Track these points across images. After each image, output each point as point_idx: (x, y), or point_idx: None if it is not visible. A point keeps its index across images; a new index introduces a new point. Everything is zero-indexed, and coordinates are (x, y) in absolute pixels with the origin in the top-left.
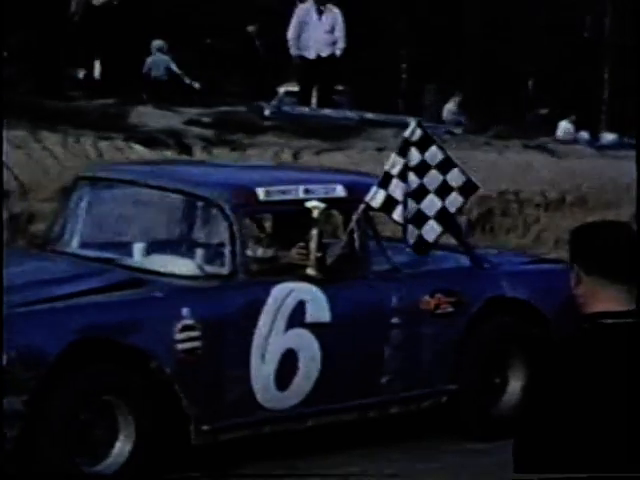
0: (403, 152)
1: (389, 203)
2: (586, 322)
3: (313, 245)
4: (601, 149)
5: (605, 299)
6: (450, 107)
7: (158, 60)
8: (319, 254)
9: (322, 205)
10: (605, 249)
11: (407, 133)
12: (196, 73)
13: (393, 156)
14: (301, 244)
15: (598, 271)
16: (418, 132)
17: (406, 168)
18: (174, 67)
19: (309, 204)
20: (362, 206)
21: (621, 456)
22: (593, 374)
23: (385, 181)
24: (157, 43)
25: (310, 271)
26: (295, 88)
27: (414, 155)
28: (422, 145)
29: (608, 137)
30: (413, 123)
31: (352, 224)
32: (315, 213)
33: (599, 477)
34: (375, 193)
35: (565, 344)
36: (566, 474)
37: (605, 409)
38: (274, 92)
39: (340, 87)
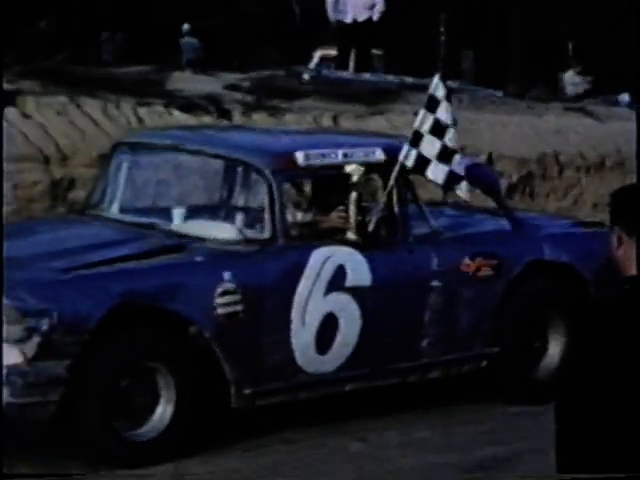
0: (431, 108)
1: (421, 162)
2: (627, 284)
3: (353, 209)
4: None
5: None
6: (570, 76)
7: (188, 43)
8: (359, 218)
9: (361, 168)
10: None
11: (432, 89)
12: (232, 38)
13: (422, 113)
14: (341, 208)
15: None
16: (441, 87)
17: (438, 125)
18: (199, 53)
19: (348, 168)
20: (397, 167)
21: None
22: (635, 336)
23: (415, 139)
24: (185, 27)
25: (350, 235)
26: (330, 52)
27: (444, 112)
28: (449, 100)
29: None
30: (436, 78)
31: (390, 183)
32: (354, 177)
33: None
34: (408, 152)
35: (606, 306)
36: (608, 462)
37: None
38: (309, 57)
39: (374, 51)
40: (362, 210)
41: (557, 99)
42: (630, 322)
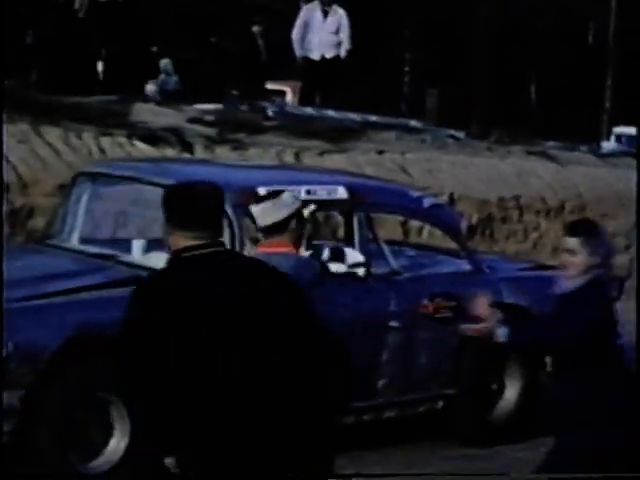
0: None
1: None
2: (172, 256)
3: (302, 246)
4: (602, 157)
5: (185, 242)
6: None
7: (168, 79)
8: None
9: (312, 206)
10: (186, 210)
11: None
12: (198, 71)
13: None
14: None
15: (181, 225)
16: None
17: None
18: (177, 88)
19: None
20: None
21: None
22: (178, 294)
23: None
24: (165, 63)
25: None
26: (275, 86)
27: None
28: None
29: (609, 145)
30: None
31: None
32: (305, 214)
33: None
34: None
35: (155, 275)
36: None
37: (190, 324)
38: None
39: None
40: (312, 247)
41: (519, 142)
42: (173, 284)
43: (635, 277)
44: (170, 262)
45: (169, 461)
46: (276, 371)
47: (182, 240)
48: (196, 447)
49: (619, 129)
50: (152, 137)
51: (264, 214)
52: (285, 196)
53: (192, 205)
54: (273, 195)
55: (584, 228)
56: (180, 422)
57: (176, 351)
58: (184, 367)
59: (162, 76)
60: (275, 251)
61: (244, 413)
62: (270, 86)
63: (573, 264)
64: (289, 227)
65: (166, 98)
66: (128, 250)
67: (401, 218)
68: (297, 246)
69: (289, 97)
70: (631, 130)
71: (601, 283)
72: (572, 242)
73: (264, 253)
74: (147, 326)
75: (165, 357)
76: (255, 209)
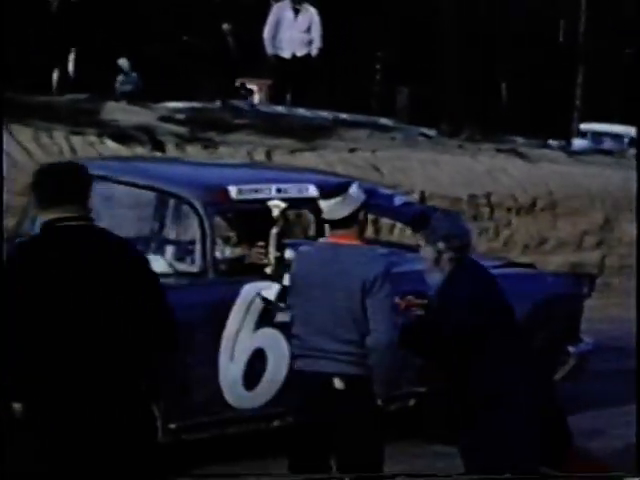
0: None
1: None
2: (44, 225)
3: (272, 244)
4: (573, 154)
5: (55, 215)
6: None
7: (127, 78)
8: (278, 254)
9: (282, 204)
10: (53, 188)
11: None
12: (171, 69)
13: None
14: (261, 243)
15: (50, 202)
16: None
17: None
18: (137, 86)
19: (270, 203)
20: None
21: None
22: (47, 261)
23: None
24: (122, 62)
25: (268, 270)
26: (246, 83)
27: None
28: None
29: (580, 142)
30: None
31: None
32: (275, 212)
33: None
34: None
35: (30, 238)
36: None
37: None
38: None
39: None
40: (282, 246)
41: (489, 140)
42: (44, 252)
43: (635, 275)
44: (42, 230)
45: (17, 406)
46: (118, 328)
47: (53, 214)
48: (42, 394)
49: (585, 125)
50: (123, 136)
51: (335, 209)
52: (352, 190)
53: (58, 183)
54: (341, 189)
55: (418, 222)
56: (30, 369)
57: (37, 304)
58: (41, 319)
59: (120, 75)
60: (345, 243)
61: (89, 367)
62: (238, 84)
63: (423, 258)
64: (358, 219)
65: (125, 97)
66: None
67: (372, 216)
68: (362, 238)
69: (257, 95)
70: (597, 126)
71: (469, 266)
72: (417, 238)
73: (334, 244)
74: (16, 282)
75: (26, 309)
76: (325, 204)
